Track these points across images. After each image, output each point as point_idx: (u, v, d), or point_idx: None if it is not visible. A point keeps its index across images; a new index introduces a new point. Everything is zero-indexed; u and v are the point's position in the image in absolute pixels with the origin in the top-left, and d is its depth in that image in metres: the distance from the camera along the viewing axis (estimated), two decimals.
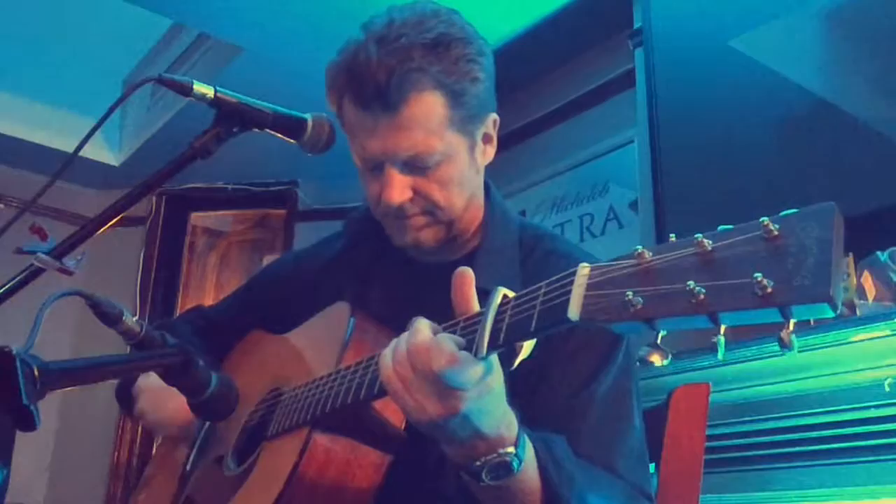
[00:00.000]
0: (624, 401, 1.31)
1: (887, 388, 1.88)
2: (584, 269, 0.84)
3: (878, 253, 2.11)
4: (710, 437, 1.68)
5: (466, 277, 1.00)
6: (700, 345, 2.08)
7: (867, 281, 2.11)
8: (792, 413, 2.05)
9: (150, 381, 1.56)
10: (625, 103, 3.42)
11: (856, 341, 1.94)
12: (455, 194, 1.35)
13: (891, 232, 2.09)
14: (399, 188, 1.31)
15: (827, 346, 1.97)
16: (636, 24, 3.24)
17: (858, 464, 1.91)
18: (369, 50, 1.27)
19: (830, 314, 0.67)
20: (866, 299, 2.10)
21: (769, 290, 0.68)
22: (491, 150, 1.43)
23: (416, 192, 1.33)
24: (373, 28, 1.30)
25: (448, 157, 1.32)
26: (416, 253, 1.45)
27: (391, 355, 1.00)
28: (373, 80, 1.26)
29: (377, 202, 1.36)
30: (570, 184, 3.77)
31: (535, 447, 1.07)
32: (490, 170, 1.47)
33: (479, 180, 1.44)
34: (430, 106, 1.28)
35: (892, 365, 1.89)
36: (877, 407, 1.89)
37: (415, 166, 1.31)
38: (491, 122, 1.41)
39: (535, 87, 3.84)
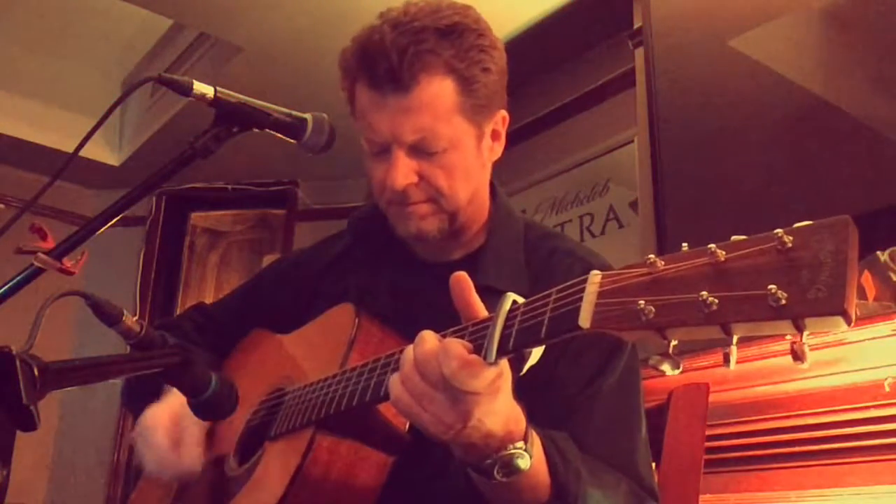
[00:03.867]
0: (629, 398, 1.31)
1: (887, 388, 1.87)
2: (595, 277, 0.84)
3: (878, 253, 2.11)
4: (710, 437, 1.68)
5: (464, 282, 0.99)
6: (700, 344, 2.08)
7: (867, 281, 2.11)
8: (792, 413, 2.05)
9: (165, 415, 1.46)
10: (625, 103, 3.42)
11: (856, 341, 1.94)
12: (459, 183, 1.35)
13: (891, 232, 2.08)
14: (404, 171, 1.31)
15: (827, 347, 1.97)
16: (636, 24, 3.24)
17: (858, 464, 1.91)
18: (384, 31, 1.29)
19: (844, 328, 0.67)
20: (866, 299, 2.10)
21: (783, 301, 0.67)
22: (498, 148, 1.44)
23: (420, 177, 1.33)
24: (389, 15, 1.33)
25: (455, 144, 1.33)
26: (418, 246, 1.45)
27: (398, 373, 0.98)
28: (385, 59, 1.27)
29: (382, 188, 1.36)
30: (570, 184, 3.77)
31: (542, 442, 1.07)
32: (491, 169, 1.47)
33: (485, 176, 1.44)
34: (440, 90, 1.30)
35: (892, 365, 1.88)
36: (877, 407, 1.89)
37: (421, 151, 1.32)
38: (500, 119, 1.42)
39: (534, 87, 3.83)
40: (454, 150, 1.33)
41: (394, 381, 0.99)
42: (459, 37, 1.31)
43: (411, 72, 1.27)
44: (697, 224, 2.69)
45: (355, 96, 1.37)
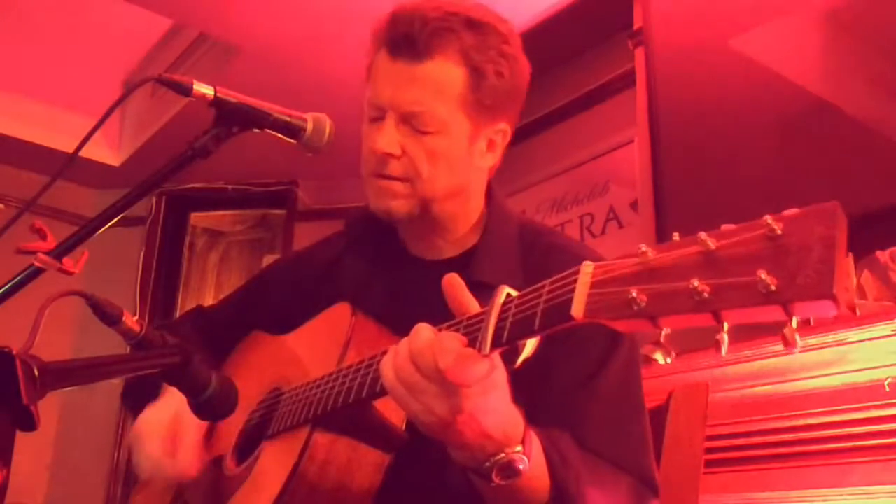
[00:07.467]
0: (629, 391, 1.31)
1: (887, 388, 1.87)
2: (587, 268, 0.84)
3: (878, 253, 2.11)
4: (710, 437, 1.68)
5: (456, 284, 1.00)
6: (700, 345, 2.08)
7: (867, 281, 2.11)
8: (792, 413, 2.05)
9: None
10: (625, 103, 3.42)
11: (856, 341, 1.94)
12: (440, 173, 1.36)
13: (891, 232, 2.09)
14: (389, 137, 1.33)
15: (827, 347, 1.97)
16: (636, 25, 3.24)
17: (858, 464, 1.91)
18: (420, 3, 1.34)
19: (833, 312, 0.67)
20: (866, 299, 2.10)
21: (773, 287, 0.68)
22: (491, 158, 1.44)
23: (404, 152, 1.34)
24: None
25: (446, 131, 1.34)
26: (413, 244, 1.47)
27: (392, 361, 0.99)
28: (409, 24, 1.31)
29: (367, 156, 1.37)
30: (570, 184, 3.77)
31: (542, 444, 1.07)
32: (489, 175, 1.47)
33: (475, 178, 1.44)
34: (449, 74, 1.33)
35: (892, 365, 1.88)
36: (877, 407, 1.89)
37: (412, 126, 1.33)
38: (500, 131, 1.42)
39: (534, 87, 3.83)
40: (443, 136, 1.34)
41: (386, 368, 0.99)
42: (485, 33, 1.35)
43: (428, 44, 1.30)
44: (697, 224, 2.68)
45: (373, 64, 1.39)
